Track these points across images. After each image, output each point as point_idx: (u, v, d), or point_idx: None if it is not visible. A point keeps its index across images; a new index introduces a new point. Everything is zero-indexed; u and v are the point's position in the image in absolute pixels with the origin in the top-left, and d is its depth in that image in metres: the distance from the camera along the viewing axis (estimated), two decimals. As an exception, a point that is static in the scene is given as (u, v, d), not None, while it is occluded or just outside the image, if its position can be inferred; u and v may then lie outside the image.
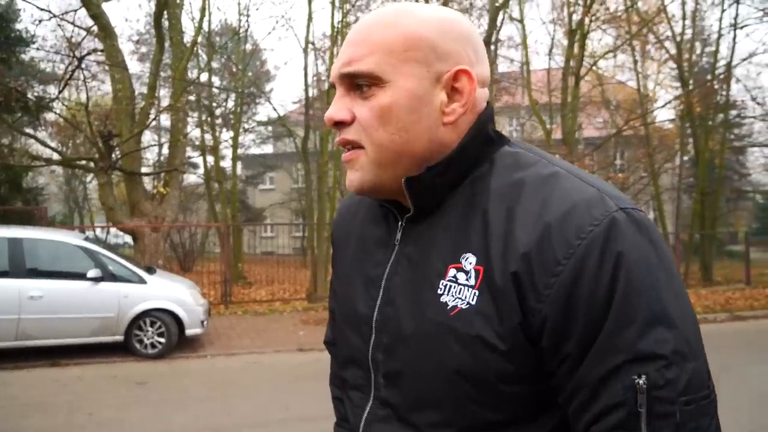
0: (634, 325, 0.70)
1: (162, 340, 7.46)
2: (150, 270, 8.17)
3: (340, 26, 13.79)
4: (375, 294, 0.89)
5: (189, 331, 7.68)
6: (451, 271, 0.80)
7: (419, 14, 0.82)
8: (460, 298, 0.78)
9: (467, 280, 0.78)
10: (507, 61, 19.38)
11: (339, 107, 0.83)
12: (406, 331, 0.83)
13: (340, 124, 0.83)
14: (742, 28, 15.63)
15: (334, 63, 0.85)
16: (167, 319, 7.49)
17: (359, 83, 0.82)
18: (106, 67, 12.10)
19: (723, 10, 15.44)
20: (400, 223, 0.89)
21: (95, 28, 11.43)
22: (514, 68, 19.71)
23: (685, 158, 20.27)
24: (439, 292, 0.80)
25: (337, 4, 13.62)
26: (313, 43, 15.18)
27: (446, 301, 0.79)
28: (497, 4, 14.61)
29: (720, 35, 15.90)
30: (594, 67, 16.66)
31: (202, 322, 7.85)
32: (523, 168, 0.81)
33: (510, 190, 0.79)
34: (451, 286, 0.79)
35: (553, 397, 0.78)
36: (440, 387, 0.80)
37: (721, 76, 16.22)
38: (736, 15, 15.56)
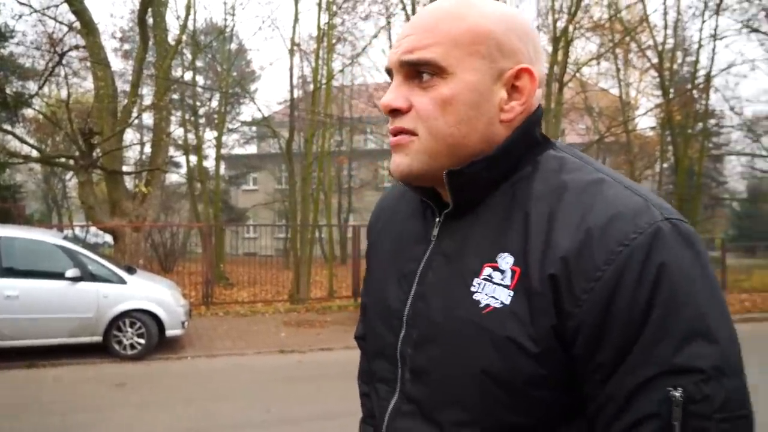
0: (673, 338, 0.68)
1: (142, 341, 7.38)
2: (130, 270, 8.07)
3: (326, 28, 13.79)
4: (407, 289, 0.88)
5: (169, 332, 7.60)
6: (487, 270, 0.79)
7: (485, 9, 0.81)
8: (493, 297, 0.77)
9: (502, 279, 0.77)
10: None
11: (396, 95, 0.82)
12: (436, 327, 0.82)
13: (395, 112, 0.82)
14: (721, 39, 15.89)
15: (393, 49, 0.83)
16: (147, 320, 7.41)
17: (421, 71, 0.80)
18: (88, 64, 11.96)
19: (703, 21, 15.69)
20: (437, 219, 0.88)
21: (77, 24, 11.30)
22: (499, 73, 19.83)
23: (665, 165, 20.55)
24: (472, 289, 0.79)
25: (323, 5, 13.62)
26: (299, 44, 15.14)
27: (479, 299, 0.78)
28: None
29: (700, 46, 16.15)
30: (577, 74, 16.83)
31: (183, 323, 7.78)
32: (567, 172, 0.80)
33: (553, 193, 0.78)
34: (485, 285, 0.78)
35: (578, 406, 0.76)
36: (466, 386, 0.78)
37: (701, 86, 16.47)
38: (716, 26, 15.82)
